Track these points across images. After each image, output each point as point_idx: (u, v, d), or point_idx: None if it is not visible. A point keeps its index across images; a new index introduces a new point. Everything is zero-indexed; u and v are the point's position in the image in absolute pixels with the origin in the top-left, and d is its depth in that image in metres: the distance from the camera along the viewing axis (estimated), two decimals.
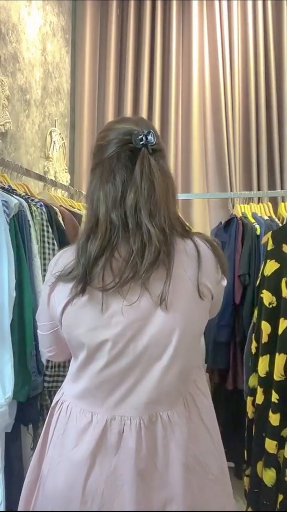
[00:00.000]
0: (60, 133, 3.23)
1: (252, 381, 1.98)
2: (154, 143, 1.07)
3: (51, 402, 1.96)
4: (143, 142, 1.06)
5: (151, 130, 1.08)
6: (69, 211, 2.27)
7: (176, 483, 1.09)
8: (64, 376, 1.88)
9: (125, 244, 1.05)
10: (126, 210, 1.05)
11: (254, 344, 1.99)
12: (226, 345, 2.48)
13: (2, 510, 1.56)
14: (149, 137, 1.06)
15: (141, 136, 1.06)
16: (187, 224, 1.18)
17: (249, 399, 2.00)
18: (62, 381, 1.88)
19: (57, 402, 1.23)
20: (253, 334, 2.02)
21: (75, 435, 1.13)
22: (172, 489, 1.10)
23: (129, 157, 1.07)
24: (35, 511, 1.23)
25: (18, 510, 1.27)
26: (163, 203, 1.07)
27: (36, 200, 1.98)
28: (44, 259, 1.86)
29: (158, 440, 1.10)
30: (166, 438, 1.11)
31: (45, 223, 1.89)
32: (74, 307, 1.09)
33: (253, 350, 1.99)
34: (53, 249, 1.89)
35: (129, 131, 1.08)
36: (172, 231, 1.08)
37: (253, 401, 1.96)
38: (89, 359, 1.13)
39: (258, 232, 2.46)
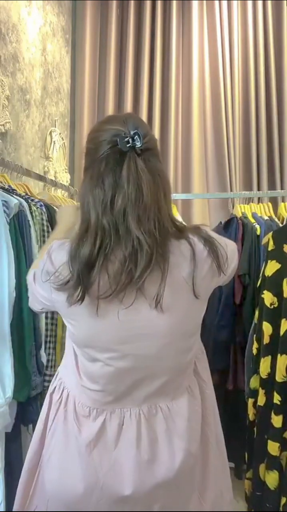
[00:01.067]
0: (60, 133, 3.22)
1: (254, 382, 1.98)
2: (140, 145, 1.05)
3: None
4: (129, 144, 1.04)
5: (138, 131, 1.05)
6: None
7: (177, 466, 1.12)
8: None
9: (120, 247, 1.04)
10: (115, 215, 1.03)
11: (255, 345, 1.98)
12: (226, 345, 2.47)
13: (2, 510, 1.55)
14: (136, 139, 1.04)
15: (127, 138, 1.04)
16: (179, 222, 1.15)
17: (250, 401, 1.99)
18: None
19: (55, 388, 1.24)
20: (254, 335, 2.01)
21: (75, 427, 1.15)
22: (172, 472, 1.11)
23: (117, 161, 1.05)
24: (34, 501, 1.24)
25: (16, 497, 1.27)
26: (152, 206, 1.04)
27: (36, 200, 1.98)
28: None
29: (159, 433, 1.13)
30: (169, 430, 1.13)
31: (45, 223, 1.89)
32: (71, 309, 1.09)
33: (255, 351, 1.98)
34: None
35: (116, 133, 1.06)
36: (165, 234, 1.06)
37: (254, 403, 1.95)
38: (88, 359, 1.14)
39: (258, 232, 2.45)
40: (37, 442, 1.25)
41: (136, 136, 1.04)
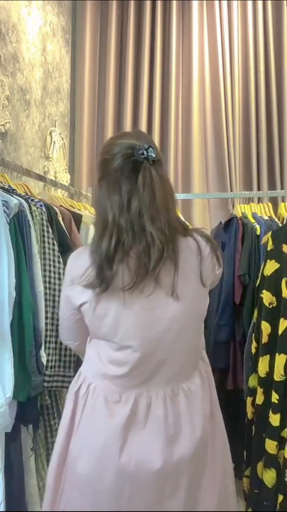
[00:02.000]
0: (60, 133, 3.23)
1: (252, 381, 1.98)
2: (154, 156, 1.22)
3: (51, 402, 1.96)
4: (144, 155, 1.21)
5: (151, 145, 1.23)
6: (69, 211, 2.27)
7: (197, 439, 1.27)
8: (64, 375, 1.88)
9: (136, 244, 1.21)
10: (131, 216, 1.20)
11: (254, 344, 1.99)
12: (226, 344, 2.47)
13: (2, 510, 1.56)
14: (150, 152, 1.22)
15: (142, 150, 1.22)
16: (187, 223, 1.34)
17: (248, 400, 2.00)
18: (62, 381, 1.87)
19: (80, 386, 1.33)
20: (253, 334, 2.01)
21: (106, 413, 1.25)
22: (194, 444, 1.26)
23: (132, 169, 1.22)
24: (64, 492, 1.31)
25: (46, 493, 1.37)
26: (163, 208, 1.22)
27: (36, 200, 1.98)
28: (44, 259, 1.85)
29: (182, 408, 1.28)
30: (189, 406, 1.29)
31: (45, 223, 1.89)
32: (99, 305, 1.24)
33: (253, 350, 1.98)
34: (53, 249, 1.89)
35: (131, 146, 1.23)
36: (174, 231, 1.25)
37: (253, 402, 1.95)
38: (116, 348, 1.26)
39: (258, 232, 2.45)
40: (63, 439, 1.33)
41: (150, 149, 1.22)
